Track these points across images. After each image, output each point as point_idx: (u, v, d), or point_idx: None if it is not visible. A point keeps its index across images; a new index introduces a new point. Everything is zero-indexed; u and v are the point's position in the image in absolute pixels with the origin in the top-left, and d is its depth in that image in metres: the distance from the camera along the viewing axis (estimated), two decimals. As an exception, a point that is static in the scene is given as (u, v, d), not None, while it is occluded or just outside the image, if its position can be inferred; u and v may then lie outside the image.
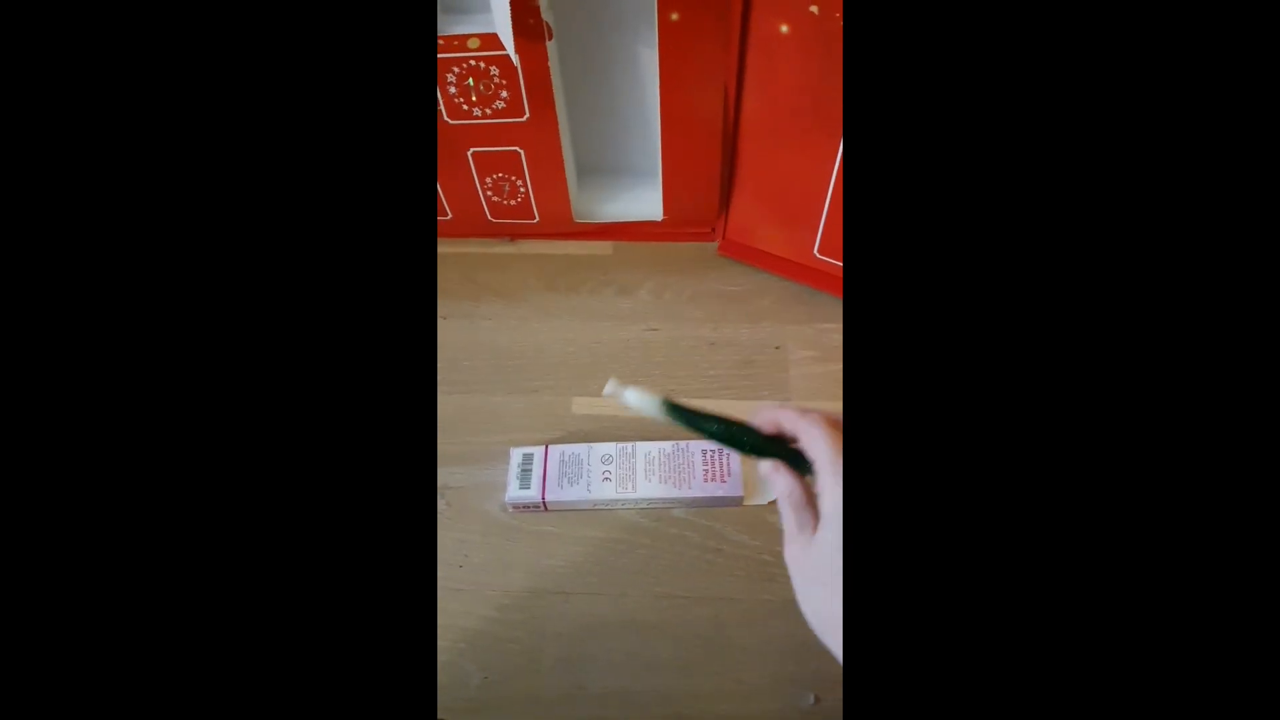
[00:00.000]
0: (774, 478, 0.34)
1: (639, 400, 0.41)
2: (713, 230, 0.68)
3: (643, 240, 0.69)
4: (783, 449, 0.36)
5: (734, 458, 0.52)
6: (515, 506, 0.53)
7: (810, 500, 0.33)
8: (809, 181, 0.56)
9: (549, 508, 0.53)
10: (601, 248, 0.69)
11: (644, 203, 0.66)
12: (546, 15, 0.51)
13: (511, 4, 0.47)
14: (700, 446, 0.53)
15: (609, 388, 0.41)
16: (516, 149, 0.59)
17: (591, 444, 0.54)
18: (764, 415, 0.37)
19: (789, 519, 0.33)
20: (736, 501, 0.52)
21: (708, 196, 0.63)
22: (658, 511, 0.53)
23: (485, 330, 0.64)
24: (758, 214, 0.63)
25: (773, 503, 0.52)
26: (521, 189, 0.63)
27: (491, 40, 0.52)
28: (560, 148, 0.59)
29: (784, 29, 0.48)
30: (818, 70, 0.49)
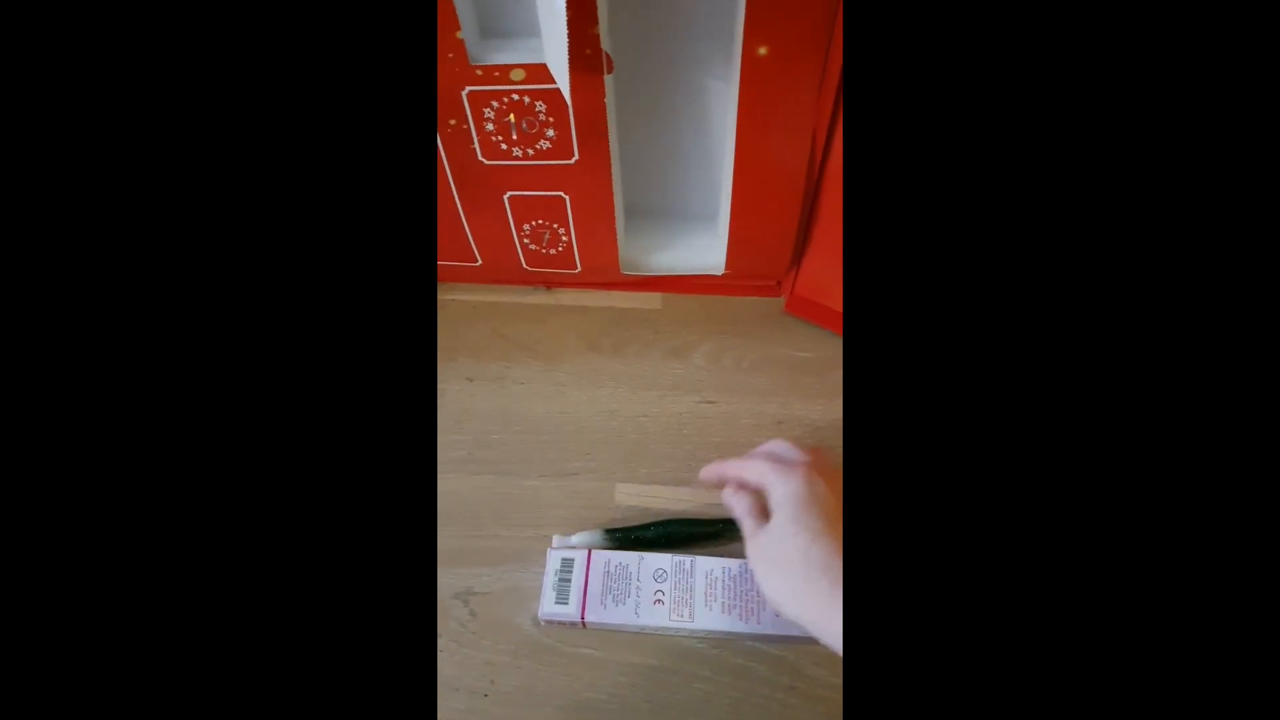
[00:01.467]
0: (732, 500, 0.41)
1: (583, 540, 0.47)
2: (779, 285, 0.59)
3: (697, 293, 0.60)
4: (714, 524, 0.47)
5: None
6: (549, 622, 0.45)
7: (764, 509, 0.39)
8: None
9: (589, 627, 0.45)
10: (649, 300, 0.61)
11: (702, 253, 0.58)
12: (606, 45, 0.42)
13: (569, 32, 0.38)
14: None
15: (555, 543, 0.47)
16: (561, 194, 0.51)
17: (643, 554, 0.46)
18: (707, 471, 0.44)
19: (748, 525, 0.39)
20: (813, 640, 0.43)
21: (780, 250, 0.54)
22: (719, 638, 0.44)
23: (518, 397, 0.55)
24: (836, 270, 0.54)
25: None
26: (564, 238, 0.55)
27: (539, 72, 0.43)
28: (611, 192, 0.51)
29: (897, 69, 0.39)
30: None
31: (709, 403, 0.55)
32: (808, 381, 0.55)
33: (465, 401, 0.55)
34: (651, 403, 0.55)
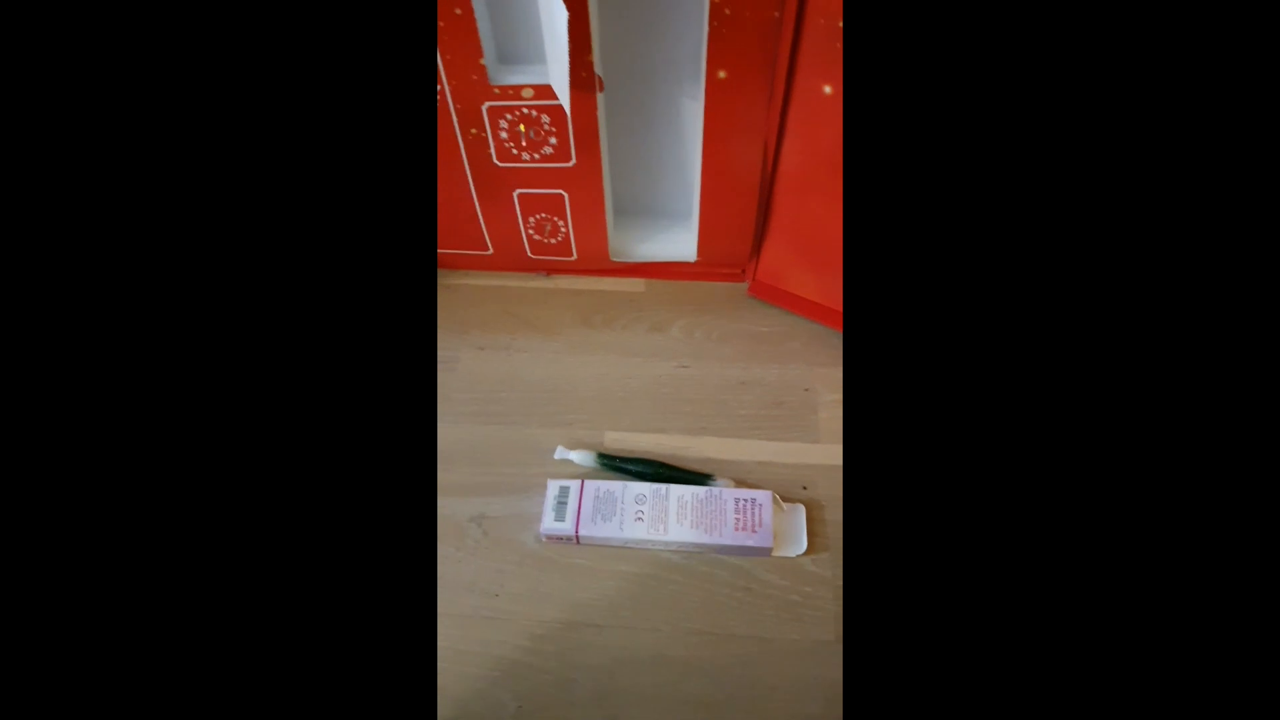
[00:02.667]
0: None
1: (580, 457, 0.58)
2: (743, 272, 0.70)
3: (674, 279, 0.71)
4: (689, 474, 0.57)
5: (766, 509, 0.53)
6: (549, 538, 0.54)
7: None
8: (840, 231, 0.58)
9: (582, 542, 0.54)
10: (634, 285, 0.71)
11: (678, 244, 0.69)
12: (599, 69, 0.53)
13: (570, 59, 0.49)
14: (733, 495, 0.54)
15: (558, 453, 0.58)
16: (561, 192, 0.62)
17: (627, 482, 0.56)
18: None
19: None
20: (765, 552, 0.53)
21: (741, 241, 0.65)
22: (688, 550, 0.54)
23: (522, 363, 0.65)
24: (789, 259, 0.65)
25: (804, 554, 0.53)
26: (563, 229, 0.65)
27: (544, 90, 0.54)
28: (602, 191, 0.62)
29: (827, 90, 0.50)
30: (857, 130, 0.51)
31: (684, 367, 0.65)
32: (765, 350, 0.66)
33: (476, 367, 0.65)
34: (635, 367, 0.65)
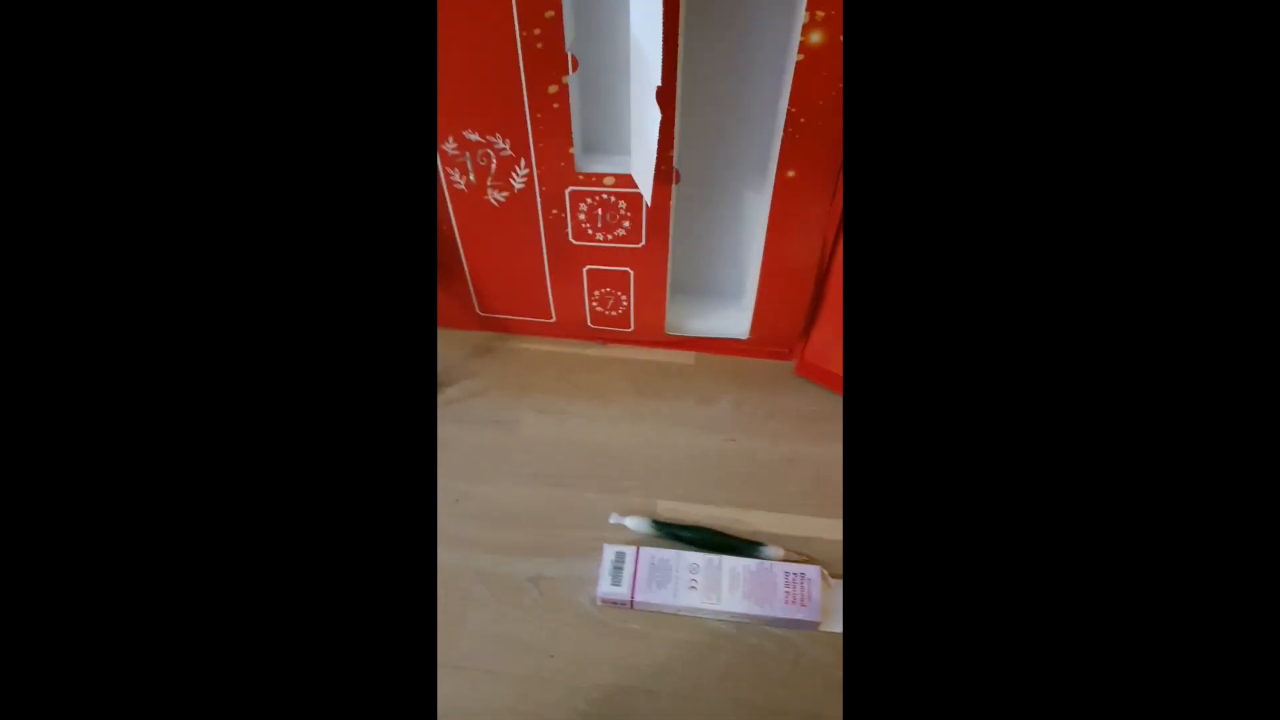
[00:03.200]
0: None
1: (635, 524, 0.60)
2: (790, 351, 0.73)
3: (724, 354, 0.74)
4: (741, 542, 0.58)
5: (814, 584, 0.55)
6: (605, 601, 0.56)
7: None
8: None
9: (636, 607, 0.56)
10: (685, 358, 0.75)
11: (730, 321, 0.72)
12: (677, 164, 0.58)
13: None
14: (783, 569, 0.56)
15: (613, 519, 0.61)
16: (628, 269, 0.66)
17: (681, 551, 0.58)
18: None
19: None
20: (813, 626, 0.55)
21: (793, 322, 0.69)
22: (739, 620, 0.55)
23: (577, 428, 0.68)
24: (837, 342, 0.68)
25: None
26: (624, 302, 0.69)
27: (624, 179, 0.59)
28: (665, 271, 0.66)
29: (887, 194, 0.55)
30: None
31: (731, 441, 0.67)
32: (812, 429, 0.68)
33: (535, 430, 0.68)
34: (685, 438, 0.68)
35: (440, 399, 0.70)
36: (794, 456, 0.66)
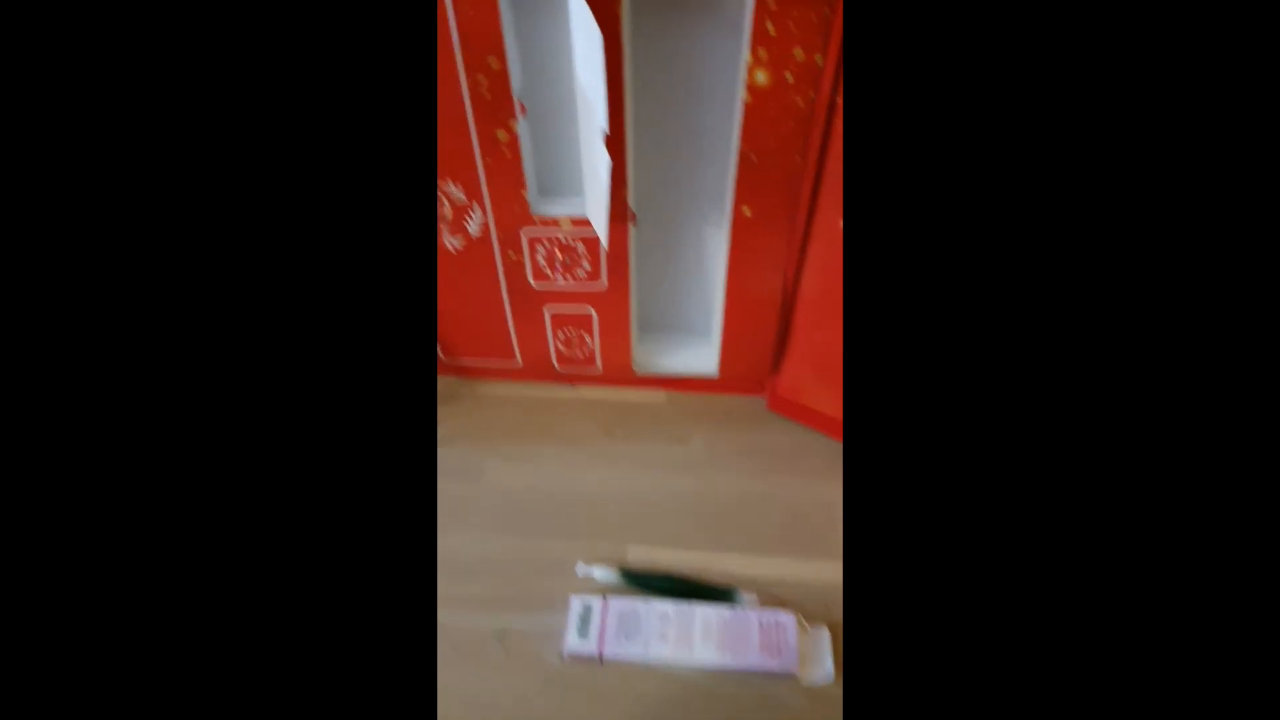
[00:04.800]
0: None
1: (603, 574, 0.58)
2: (761, 386, 0.72)
3: (694, 392, 0.73)
4: (714, 589, 0.56)
5: (790, 632, 0.53)
6: (573, 657, 0.54)
7: None
8: (860, 355, 0.60)
9: (606, 661, 0.54)
10: (655, 396, 0.74)
11: (699, 358, 0.71)
12: (632, 203, 0.57)
13: (610, 194, 0.53)
14: (757, 617, 0.54)
15: (580, 569, 0.59)
16: (590, 310, 0.65)
17: (650, 600, 0.56)
18: None
19: None
20: (790, 677, 0.52)
21: (761, 358, 0.68)
22: (713, 671, 0.53)
23: (546, 473, 0.67)
24: (808, 375, 0.67)
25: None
26: (589, 343, 0.68)
27: (581, 221, 0.58)
28: (629, 310, 0.65)
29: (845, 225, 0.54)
30: (874, 264, 0.54)
31: (705, 481, 0.66)
32: (786, 466, 0.67)
33: (501, 478, 0.66)
34: (657, 480, 0.66)
35: (406, 448, 0.69)
36: (768, 494, 0.65)
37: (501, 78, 0.50)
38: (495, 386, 0.75)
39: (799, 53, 0.47)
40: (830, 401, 0.67)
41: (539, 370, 0.72)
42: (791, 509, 0.64)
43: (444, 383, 0.75)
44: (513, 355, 0.71)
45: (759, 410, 0.72)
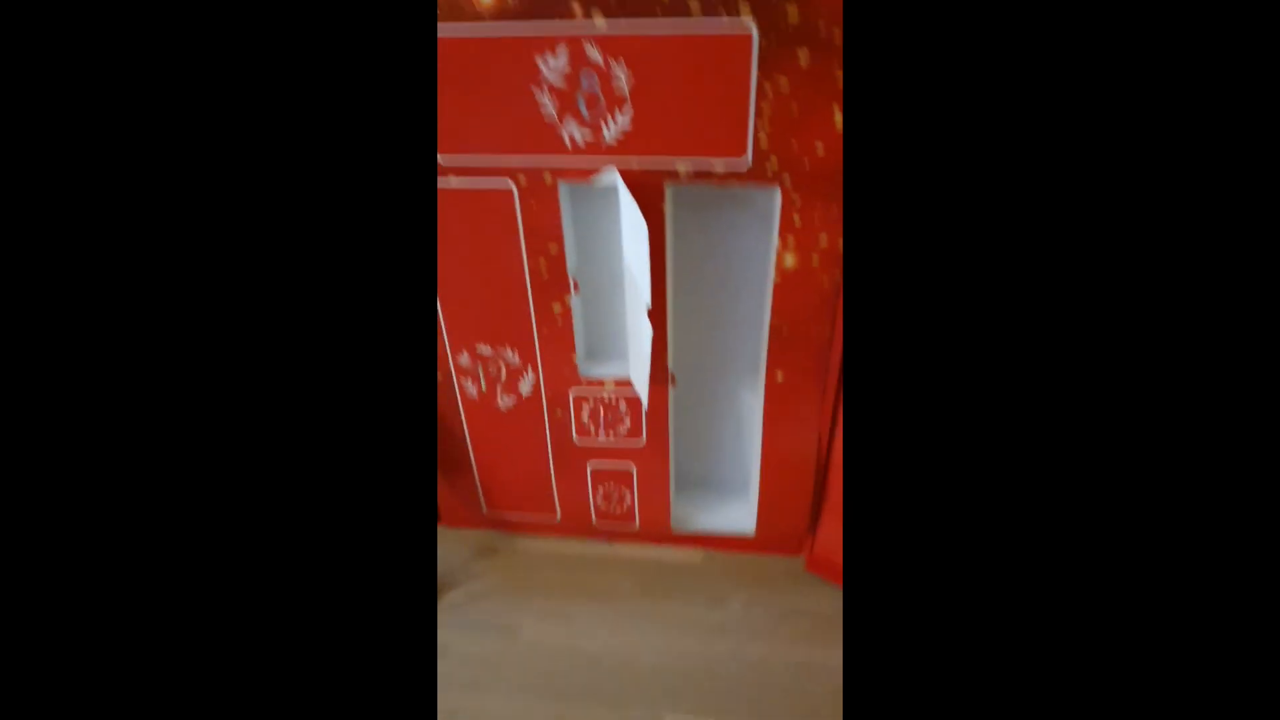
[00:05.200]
0: None
1: None
2: (799, 545, 0.72)
3: (732, 551, 0.73)
4: None
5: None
6: (605, 841, 0.51)
7: None
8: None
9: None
10: (693, 555, 0.74)
11: (737, 517, 0.72)
12: (672, 367, 0.62)
13: (651, 359, 0.58)
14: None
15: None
16: (630, 467, 0.68)
17: (689, 774, 0.53)
18: None
19: None
20: None
21: (798, 517, 0.69)
22: None
23: (582, 633, 0.66)
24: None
25: None
26: (628, 499, 0.70)
27: (624, 383, 0.63)
28: (668, 468, 0.67)
29: (873, 393, 0.57)
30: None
31: (743, 646, 0.64)
32: (827, 634, 0.65)
33: (538, 636, 0.66)
34: (694, 643, 0.65)
35: (442, 603, 0.69)
36: (809, 662, 0.63)
37: (559, 260, 0.57)
38: (534, 541, 0.76)
39: (823, 239, 0.52)
40: (869, 564, 0.66)
41: (578, 526, 0.73)
42: (833, 680, 0.61)
43: (483, 536, 0.77)
44: (553, 510, 0.73)
45: (797, 571, 0.71)
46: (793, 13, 0.44)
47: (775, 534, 0.71)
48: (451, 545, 0.75)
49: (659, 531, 0.72)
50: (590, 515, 0.72)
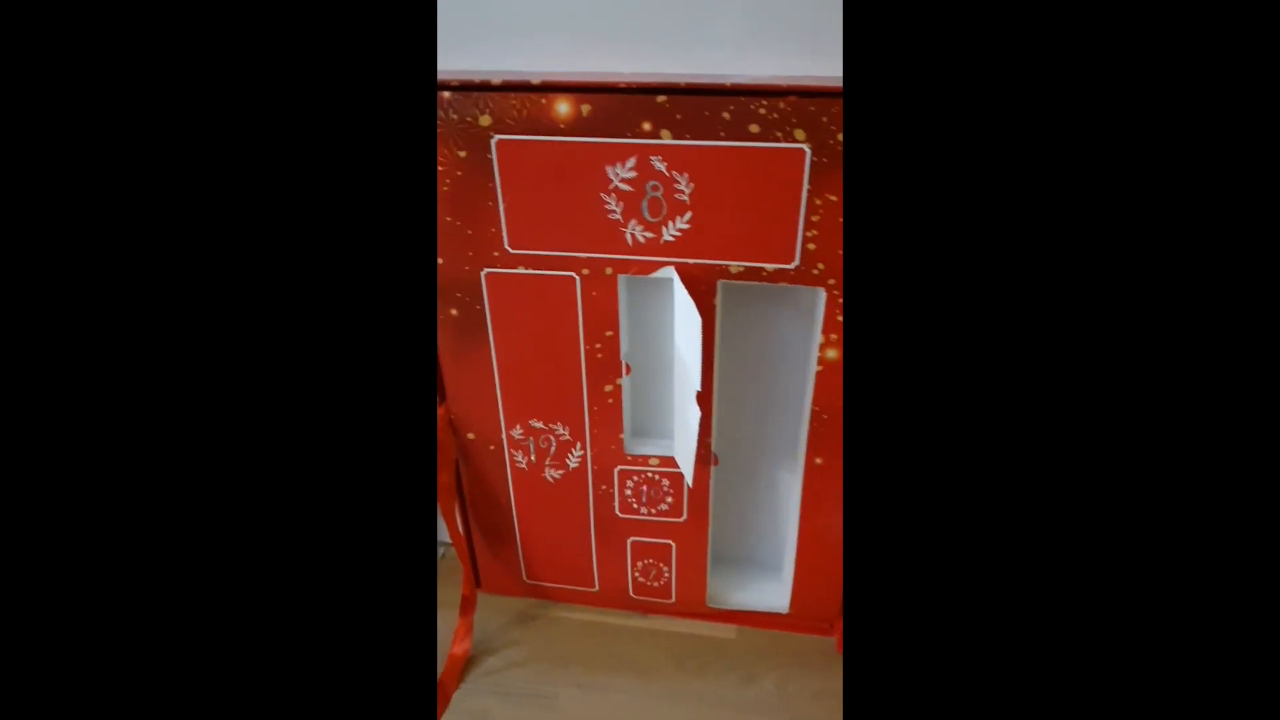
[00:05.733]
0: None
1: None
2: (831, 626, 0.73)
3: (765, 628, 0.74)
4: None
5: None
6: None
7: None
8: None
9: None
10: (727, 630, 0.75)
11: (771, 594, 0.74)
12: (715, 448, 0.65)
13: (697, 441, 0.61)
14: None
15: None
16: (670, 542, 0.70)
17: None
18: None
19: None
20: None
21: (831, 598, 0.70)
22: None
23: (618, 706, 0.67)
24: (878, 619, 0.69)
25: None
26: (666, 574, 0.72)
27: (668, 460, 0.66)
28: (706, 544, 0.69)
29: (909, 480, 0.60)
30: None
31: (777, 726, 0.65)
32: (860, 715, 0.66)
33: (574, 707, 0.67)
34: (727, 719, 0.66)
35: (480, 668, 0.71)
36: (843, 747, 0.63)
37: (613, 343, 0.61)
38: (571, 610, 0.77)
39: (864, 336, 0.56)
40: (902, 648, 0.68)
41: (615, 598, 0.75)
42: (868, 765, 0.62)
43: (522, 604, 0.78)
44: (592, 581, 0.75)
45: (829, 651, 0.72)
46: (841, 138, 0.49)
47: (808, 613, 0.72)
48: (491, 611, 0.77)
49: (694, 607, 0.74)
50: (628, 587, 0.74)
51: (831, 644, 0.73)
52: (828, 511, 0.65)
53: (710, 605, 0.74)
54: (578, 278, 0.58)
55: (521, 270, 0.58)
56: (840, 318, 0.56)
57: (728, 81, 0.50)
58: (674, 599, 0.74)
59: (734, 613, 0.74)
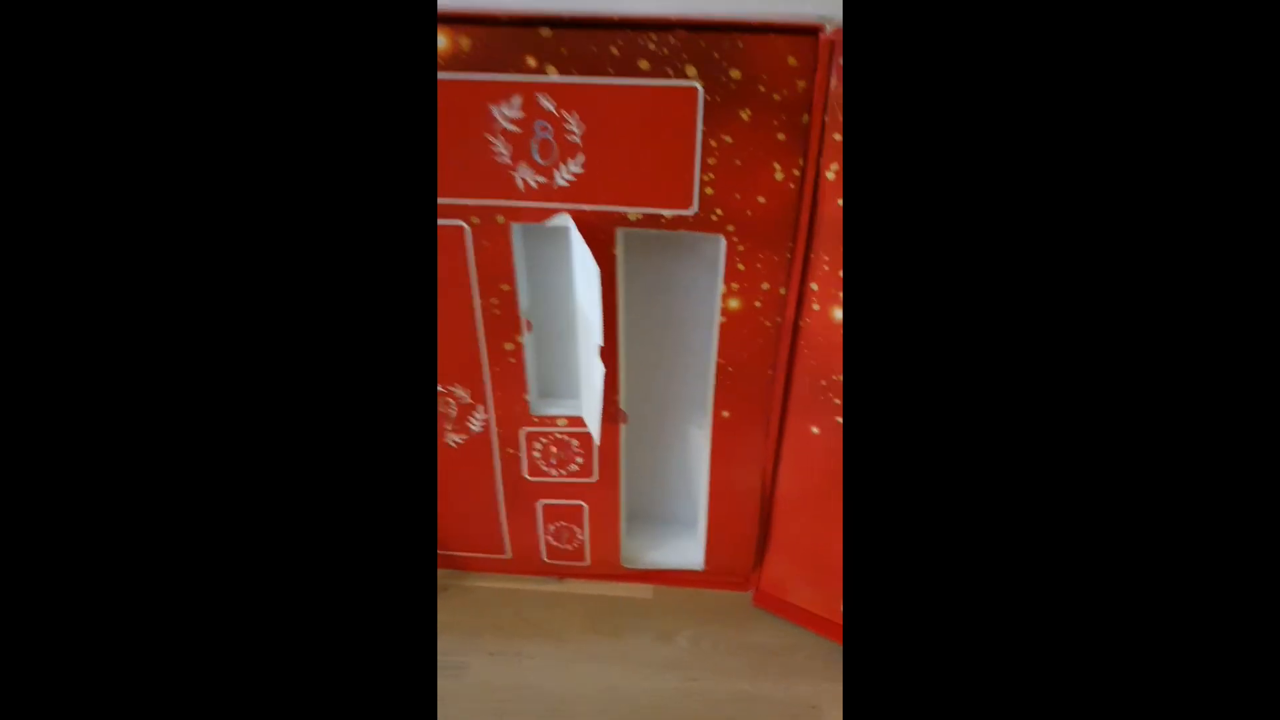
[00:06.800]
0: None
1: None
2: (747, 581, 0.74)
3: (681, 586, 0.74)
4: None
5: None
6: None
7: None
8: (837, 550, 0.63)
9: None
10: (642, 590, 0.74)
11: (685, 552, 0.73)
12: (623, 405, 0.63)
13: (603, 398, 0.59)
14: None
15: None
16: (581, 503, 0.68)
17: (636, 813, 0.53)
18: None
19: None
20: None
21: (744, 553, 0.70)
22: None
23: (532, 670, 0.66)
24: (790, 571, 0.69)
25: None
26: (579, 536, 0.71)
27: (576, 420, 0.64)
28: (618, 504, 0.68)
29: (815, 430, 0.60)
30: (841, 466, 0.59)
31: (692, 680, 0.65)
32: (773, 664, 0.66)
33: (485, 675, 0.65)
34: (644, 679, 0.65)
35: (389, 644, 0.68)
36: (755, 694, 0.64)
37: (510, 298, 0.58)
38: (483, 579, 0.75)
39: (765, 285, 0.55)
40: (812, 599, 0.68)
41: (527, 563, 0.73)
42: (778, 711, 0.62)
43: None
44: (502, 548, 0.72)
45: (745, 606, 0.72)
46: (735, 74, 0.48)
47: (722, 569, 0.72)
48: (399, 584, 0.74)
49: (609, 568, 0.73)
50: (541, 552, 0.72)
51: (746, 599, 0.73)
52: (737, 465, 0.65)
53: (625, 566, 0.73)
54: (467, 226, 0.55)
55: (408, 221, 0.54)
56: (741, 266, 0.55)
57: (614, 14, 0.47)
58: (588, 561, 0.72)
59: (650, 572, 0.74)
